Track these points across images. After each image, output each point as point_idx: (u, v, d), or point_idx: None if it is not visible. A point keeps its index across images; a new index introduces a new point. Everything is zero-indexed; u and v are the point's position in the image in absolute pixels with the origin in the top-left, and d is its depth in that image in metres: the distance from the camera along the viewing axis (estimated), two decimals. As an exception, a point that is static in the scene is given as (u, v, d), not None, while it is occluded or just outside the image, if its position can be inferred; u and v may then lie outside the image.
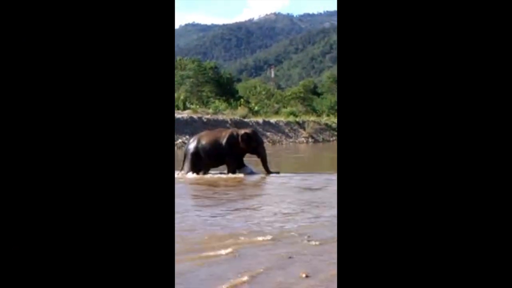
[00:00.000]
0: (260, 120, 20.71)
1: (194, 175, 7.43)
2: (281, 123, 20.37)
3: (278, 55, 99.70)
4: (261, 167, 7.78)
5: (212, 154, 7.61)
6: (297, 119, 21.44)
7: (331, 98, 27.99)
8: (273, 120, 20.70)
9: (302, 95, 28.15)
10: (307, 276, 2.56)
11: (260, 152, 7.83)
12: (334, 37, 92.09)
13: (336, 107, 26.17)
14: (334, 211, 4.50)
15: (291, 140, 18.85)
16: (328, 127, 21.79)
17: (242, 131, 7.92)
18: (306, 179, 7.10)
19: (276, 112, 23.47)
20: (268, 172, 7.72)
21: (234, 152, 7.64)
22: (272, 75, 57.31)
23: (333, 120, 21.94)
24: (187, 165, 7.64)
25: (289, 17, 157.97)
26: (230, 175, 7.47)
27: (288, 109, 23.78)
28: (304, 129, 21.18)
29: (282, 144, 17.78)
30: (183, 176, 7.33)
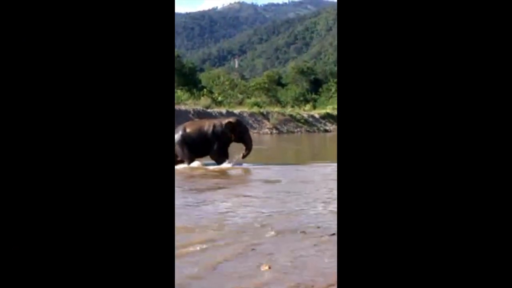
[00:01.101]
0: (223, 110, 20.58)
1: (180, 166, 7.25)
2: (245, 114, 20.36)
3: (242, 45, 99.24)
4: (247, 159, 7.75)
5: (198, 144, 7.49)
6: (261, 110, 21.49)
7: (296, 89, 28.18)
8: (236, 111, 20.65)
9: (266, 85, 28.16)
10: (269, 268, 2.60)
11: (246, 140, 7.82)
12: (299, 27, 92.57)
13: (300, 98, 26.41)
14: (297, 202, 4.57)
15: (255, 131, 18.88)
16: (292, 118, 21.95)
17: (226, 120, 7.90)
18: (271, 170, 7.16)
19: (240, 103, 23.43)
20: (243, 157, 7.73)
21: (220, 142, 7.55)
22: (236, 65, 57.05)
23: (297, 111, 22.14)
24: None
25: (254, 6, 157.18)
26: (216, 166, 7.38)
27: (252, 99, 23.77)
28: (269, 120, 21.25)
29: (246, 134, 17.77)
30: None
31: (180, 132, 7.52)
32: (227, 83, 28.37)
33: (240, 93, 26.25)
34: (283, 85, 30.45)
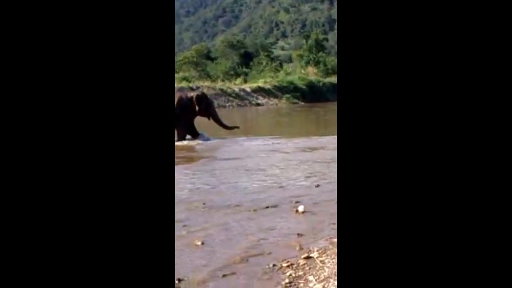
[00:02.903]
0: (152, 85, 19.80)
1: None
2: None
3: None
4: (217, 132, 7.60)
5: None
6: (191, 85, 21.09)
7: (226, 63, 27.90)
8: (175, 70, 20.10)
9: (195, 60, 27.65)
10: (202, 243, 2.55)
11: (211, 112, 7.70)
12: (227, 0, 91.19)
13: (231, 72, 26.19)
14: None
15: (185, 106, 18.56)
16: (223, 92, 21.76)
17: (191, 94, 7.79)
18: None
19: (169, 78, 22.82)
20: (226, 127, 7.65)
21: (185, 117, 7.27)
22: (164, 39, 55.37)
23: (228, 86, 21.96)
24: None
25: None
26: (181, 142, 7.04)
27: (181, 74, 23.23)
28: (198, 94, 20.89)
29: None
30: None
31: None
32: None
33: (169, 68, 25.56)
34: (212, 59, 30.04)
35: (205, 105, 7.61)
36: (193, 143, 7.22)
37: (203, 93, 8.11)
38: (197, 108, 7.43)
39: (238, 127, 7.73)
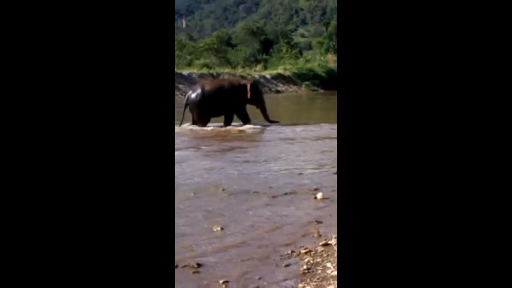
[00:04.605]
0: (172, 72, 19.91)
1: (198, 127, 7.22)
2: (194, 75, 19.90)
3: (190, 5, 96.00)
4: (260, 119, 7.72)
5: (217, 104, 7.35)
6: (211, 71, 21.08)
7: (246, 50, 27.79)
8: (185, 72, 20.14)
9: (215, 46, 27.56)
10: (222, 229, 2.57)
11: (261, 102, 7.79)
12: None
13: (251, 59, 26.08)
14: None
15: (205, 92, 18.60)
16: (243, 79, 21.73)
17: (244, 81, 8.02)
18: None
19: (189, 64, 22.84)
20: (269, 120, 7.74)
21: (237, 102, 7.50)
22: (184, 25, 55.40)
23: (248, 72, 21.90)
24: (194, 115, 7.36)
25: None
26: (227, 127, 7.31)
27: (201, 61, 23.22)
28: (219, 81, 20.89)
29: (196, 97, 17.45)
30: (193, 128, 7.13)
31: (199, 91, 7.39)
32: (175, 44, 27.50)
33: (189, 54, 25.57)
34: (233, 46, 29.94)
35: (257, 94, 7.71)
36: (242, 128, 7.35)
37: (256, 82, 8.40)
38: (249, 95, 7.53)
39: (278, 122, 7.80)
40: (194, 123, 7.42)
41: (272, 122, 7.76)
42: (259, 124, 7.52)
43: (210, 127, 7.35)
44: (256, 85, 8.06)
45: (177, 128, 6.84)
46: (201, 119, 7.35)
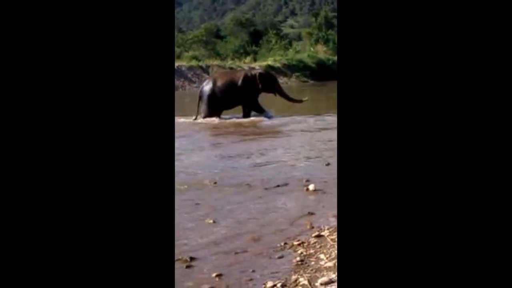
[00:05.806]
0: (161, 65, 19.69)
1: (212, 119, 7.20)
2: (183, 68, 19.75)
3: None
4: (279, 111, 7.66)
5: (229, 95, 7.34)
6: (200, 64, 20.95)
7: (235, 42, 27.62)
8: (175, 64, 20.04)
9: (204, 38, 27.38)
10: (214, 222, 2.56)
11: (276, 88, 7.77)
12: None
13: (240, 51, 25.93)
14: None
15: (195, 85, 18.37)
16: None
17: (255, 72, 7.96)
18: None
19: (178, 57, 22.63)
20: (294, 101, 7.79)
21: (250, 93, 7.46)
22: (173, 17, 54.85)
23: (237, 64, 21.79)
24: (204, 108, 7.35)
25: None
26: (246, 119, 7.27)
27: (190, 53, 23.05)
28: (208, 73, 20.76)
29: (185, 89, 17.35)
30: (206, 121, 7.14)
31: (211, 85, 7.41)
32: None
33: (178, 47, 25.35)
34: (221, 38, 29.74)
35: (269, 82, 7.66)
36: (257, 119, 7.31)
37: (266, 71, 8.32)
38: (259, 85, 7.49)
39: (301, 101, 7.84)
40: (205, 116, 7.40)
41: (298, 101, 7.89)
42: (269, 116, 7.46)
43: (207, 119, 7.32)
44: (265, 74, 8.00)
45: (190, 121, 7.01)
46: (212, 113, 7.34)
